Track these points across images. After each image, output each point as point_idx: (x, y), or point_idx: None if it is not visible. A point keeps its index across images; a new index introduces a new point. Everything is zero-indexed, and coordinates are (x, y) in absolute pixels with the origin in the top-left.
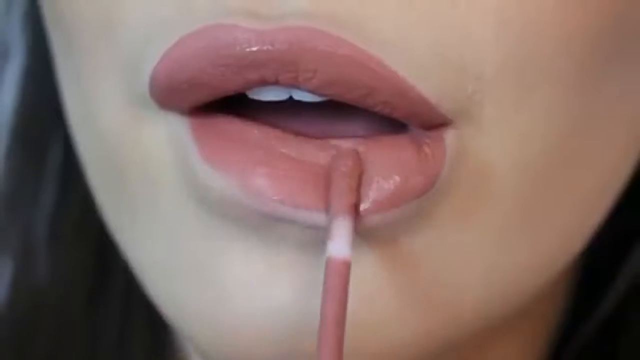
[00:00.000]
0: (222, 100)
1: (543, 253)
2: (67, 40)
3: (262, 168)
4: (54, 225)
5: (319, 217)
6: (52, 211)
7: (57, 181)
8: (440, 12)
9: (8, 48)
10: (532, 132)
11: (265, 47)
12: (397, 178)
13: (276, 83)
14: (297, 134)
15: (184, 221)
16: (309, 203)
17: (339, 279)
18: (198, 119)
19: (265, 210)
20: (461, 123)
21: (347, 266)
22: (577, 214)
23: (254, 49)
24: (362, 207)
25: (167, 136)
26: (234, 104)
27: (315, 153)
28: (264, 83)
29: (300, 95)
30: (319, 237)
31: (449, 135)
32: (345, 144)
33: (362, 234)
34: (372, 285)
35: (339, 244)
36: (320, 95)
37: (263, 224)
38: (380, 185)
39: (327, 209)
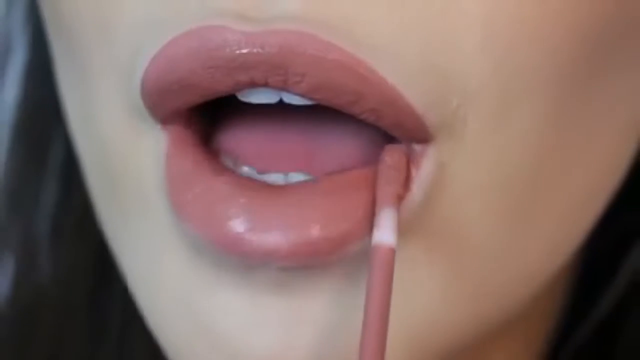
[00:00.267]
0: (214, 103)
1: (532, 262)
2: (66, 45)
3: (230, 223)
4: (55, 223)
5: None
6: (54, 209)
7: (58, 179)
8: (430, 19)
9: (10, 46)
10: (514, 148)
11: (255, 50)
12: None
13: (265, 85)
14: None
15: (172, 246)
16: (280, 250)
17: (385, 266)
18: (176, 154)
19: (238, 255)
20: (441, 139)
21: (392, 253)
22: (566, 222)
23: (244, 51)
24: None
25: (155, 157)
26: (224, 107)
27: (277, 209)
28: (253, 85)
29: (289, 99)
30: (300, 276)
31: (426, 157)
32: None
33: None
34: (348, 320)
35: (386, 233)
36: (308, 99)
37: (243, 265)
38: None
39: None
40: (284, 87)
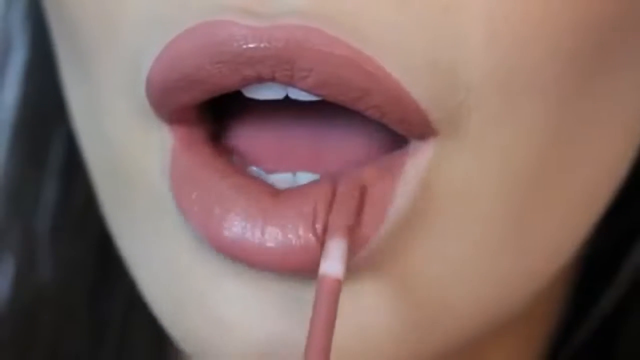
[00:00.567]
0: (219, 102)
1: (534, 261)
2: (70, 44)
3: (227, 227)
4: (56, 221)
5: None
6: (54, 208)
7: (59, 178)
8: (435, 15)
9: (9, 45)
10: (517, 145)
11: (262, 44)
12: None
13: (272, 80)
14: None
15: (179, 239)
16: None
17: (330, 297)
18: (182, 150)
19: (239, 257)
20: (445, 134)
21: (338, 284)
22: (568, 221)
23: (251, 45)
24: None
25: (161, 155)
26: (230, 105)
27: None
28: (260, 80)
29: (295, 94)
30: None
31: (428, 150)
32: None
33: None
34: (364, 308)
35: (333, 264)
36: (314, 94)
37: (244, 266)
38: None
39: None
40: (290, 82)
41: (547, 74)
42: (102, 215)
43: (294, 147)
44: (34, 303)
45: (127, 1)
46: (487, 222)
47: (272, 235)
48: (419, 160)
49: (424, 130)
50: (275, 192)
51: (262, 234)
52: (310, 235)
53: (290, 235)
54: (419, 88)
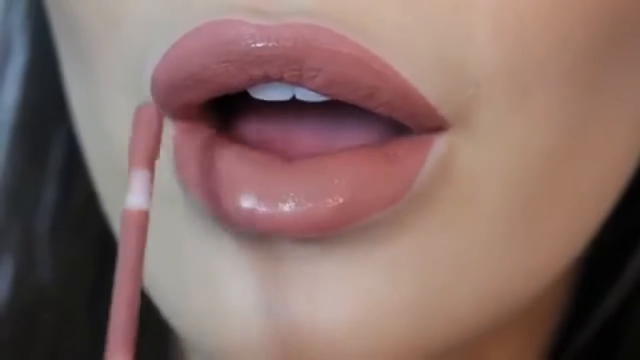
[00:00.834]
0: (224, 102)
1: (541, 257)
2: (72, 43)
3: (239, 197)
4: (55, 222)
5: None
6: (54, 208)
7: (58, 178)
8: (442, 14)
9: (10, 45)
10: (527, 138)
11: (270, 44)
12: (341, 199)
13: (280, 80)
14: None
15: (188, 231)
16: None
17: (136, 229)
18: (185, 133)
19: (251, 229)
20: (456, 128)
21: (144, 216)
22: (577, 216)
23: (259, 45)
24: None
25: (165, 149)
26: (235, 105)
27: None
28: (267, 80)
29: (303, 95)
30: (315, 251)
31: (439, 142)
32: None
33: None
34: (357, 290)
35: (136, 196)
36: (323, 94)
37: (256, 238)
38: (320, 206)
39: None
40: (298, 82)
41: (558, 67)
42: (102, 215)
43: (300, 140)
44: (34, 303)
45: (131, 0)
46: (496, 215)
47: (287, 201)
48: (435, 148)
49: (434, 124)
50: (284, 161)
51: (276, 202)
52: (329, 201)
53: (305, 201)
54: (427, 85)
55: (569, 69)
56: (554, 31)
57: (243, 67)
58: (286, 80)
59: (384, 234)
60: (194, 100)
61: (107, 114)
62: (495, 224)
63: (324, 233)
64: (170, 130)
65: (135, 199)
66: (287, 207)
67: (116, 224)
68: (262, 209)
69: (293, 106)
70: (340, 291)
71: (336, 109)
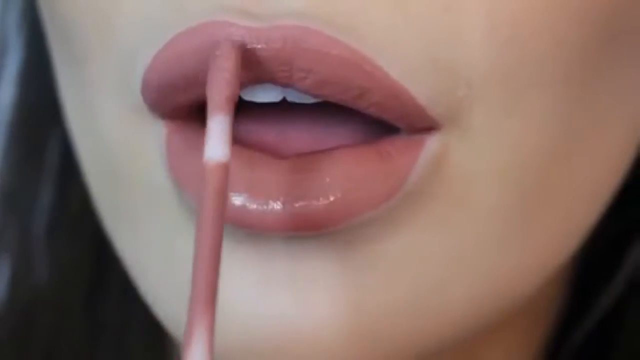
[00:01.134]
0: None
1: (535, 256)
2: (65, 45)
3: (234, 193)
4: (52, 223)
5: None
6: (51, 209)
7: (55, 179)
8: (432, 15)
9: (5, 47)
10: (521, 138)
11: (259, 45)
12: (332, 197)
13: (271, 81)
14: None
15: (181, 233)
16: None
17: (214, 184)
18: (177, 132)
19: (239, 227)
20: (448, 128)
21: (223, 169)
22: (571, 216)
23: (250, 46)
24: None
25: (158, 149)
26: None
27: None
28: (258, 81)
29: (293, 97)
30: (307, 249)
31: (431, 141)
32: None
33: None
34: (349, 288)
35: (214, 146)
36: (313, 96)
37: (248, 237)
38: (311, 203)
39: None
40: (289, 83)
41: (553, 67)
42: (98, 217)
43: (292, 140)
44: (31, 304)
45: (123, 2)
46: (489, 214)
47: (278, 199)
48: (427, 147)
49: (425, 125)
50: (274, 158)
51: (267, 199)
52: (320, 199)
53: (295, 199)
54: (418, 86)
55: (564, 69)
56: (548, 32)
57: None
58: (277, 81)
59: (376, 232)
60: (185, 101)
61: (99, 115)
62: (488, 223)
63: (315, 231)
64: (161, 130)
65: (213, 151)
66: (277, 205)
67: (109, 226)
68: (253, 206)
69: (284, 106)
70: (332, 289)
71: (328, 110)
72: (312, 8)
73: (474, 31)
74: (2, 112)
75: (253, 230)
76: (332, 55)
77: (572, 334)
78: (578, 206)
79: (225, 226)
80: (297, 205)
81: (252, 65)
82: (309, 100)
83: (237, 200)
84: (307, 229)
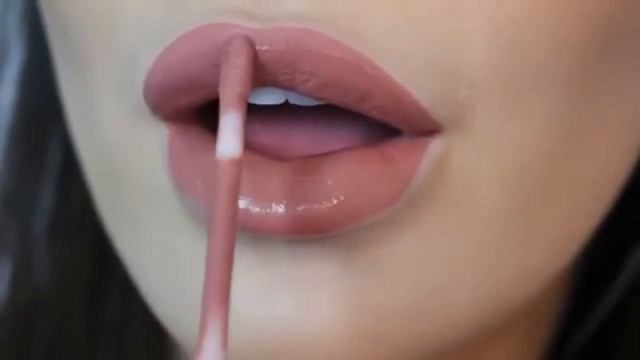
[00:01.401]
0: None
1: (537, 259)
2: (66, 47)
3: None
4: (53, 223)
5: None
6: (51, 209)
7: (56, 179)
8: (433, 17)
9: (6, 48)
10: (523, 140)
11: (263, 47)
12: (335, 200)
13: (274, 84)
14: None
15: (182, 235)
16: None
17: (227, 180)
18: (179, 135)
19: (244, 229)
20: (451, 130)
21: (235, 165)
22: (573, 218)
23: (254, 48)
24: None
25: (159, 150)
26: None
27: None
28: (261, 84)
29: (296, 99)
30: (310, 252)
31: (434, 144)
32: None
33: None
34: (351, 291)
35: (227, 142)
36: (315, 98)
37: (250, 240)
38: (314, 207)
39: None
40: (291, 86)
41: (554, 69)
42: (99, 217)
43: (294, 142)
44: (32, 305)
45: (124, 3)
46: (492, 217)
47: (281, 202)
48: (430, 150)
49: (428, 127)
50: (276, 162)
51: (269, 202)
52: (323, 202)
53: (298, 202)
54: (420, 88)
55: (565, 71)
56: (549, 34)
57: None
58: (279, 84)
59: (379, 235)
60: (187, 103)
61: (100, 115)
62: (491, 226)
63: (318, 234)
64: (163, 131)
65: (226, 147)
66: (280, 209)
67: (110, 227)
68: (256, 210)
69: (287, 109)
70: (334, 292)
71: (330, 112)
72: (313, 10)
73: (475, 33)
74: (3, 113)
75: (256, 233)
76: (334, 58)
77: (574, 336)
78: (579, 208)
79: None
80: (299, 208)
81: (254, 68)
82: (311, 102)
83: (240, 203)
84: (309, 232)
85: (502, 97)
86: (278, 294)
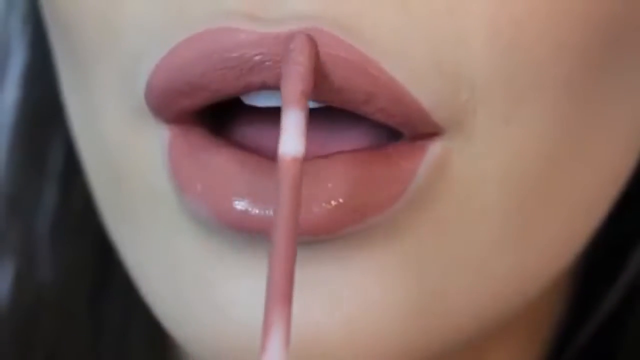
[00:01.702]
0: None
1: (537, 260)
2: (68, 48)
3: (233, 200)
4: (55, 223)
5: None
6: (54, 209)
7: (58, 179)
8: (437, 18)
9: (9, 48)
10: (523, 143)
11: (270, 50)
12: (334, 202)
13: (277, 88)
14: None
15: (182, 231)
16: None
17: (289, 179)
18: (180, 136)
19: (241, 231)
20: (451, 133)
21: (298, 164)
22: (573, 220)
23: (258, 51)
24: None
25: (160, 152)
26: (229, 107)
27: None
28: (264, 87)
29: None
30: (310, 254)
31: (435, 147)
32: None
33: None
34: (351, 292)
35: (289, 141)
36: (319, 102)
37: (250, 242)
38: (313, 208)
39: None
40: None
41: (555, 72)
42: (101, 217)
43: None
44: (34, 305)
45: (125, 5)
46: (491, 219)
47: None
48: (430, 152)
49: (429, 130)
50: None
51: (268, 206)
52: (321, 204)
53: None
54: (422, 90)
55: (566, 74)
56: (551, 36)
57: (241, 74)
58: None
59: (379, 237)
60: (189, 106)
61: (101, 117)
62: (490, 227)
63: (317, 237)
64: (164, 133)
65: (289, 145)
66: None
67: (111, 227)
68: (255, 211)
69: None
70: (334, 294)
71: (330, 114)
72: (316, 12)
73: (477, 34)
74: (6, 113)
75: (256, 235)
76: (340, 58)
77: (575, 336)
78: (580, 210)
79: (226, 232)
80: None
81: (260, 72)
82: (312, 105)
83: (239, 205)
84: (309, 234)
85: (503, 98)
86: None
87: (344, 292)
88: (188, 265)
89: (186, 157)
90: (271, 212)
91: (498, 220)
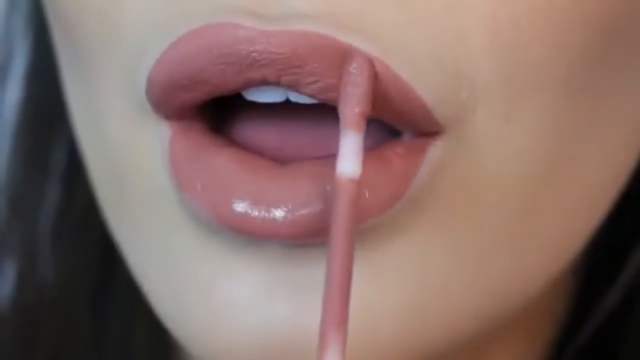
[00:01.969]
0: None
1: (537, 260)
2: (70, 46)
3: (233, 202)
4: (58, 222)
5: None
6: (57, 209)
7: (61, 179)
8: (437, 17)
9: (11, 48)
10: (522, 142)
11: (269, 48)
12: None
13: (277, 84)
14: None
15: (182, 231)
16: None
17: (345, 200)
18: (180, 134)
19: (241, 233)
20: (451, 133)
21: (354, 185)
22: (572, 219)
23: (257, 48)
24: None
25: (160, 150)
26: (229, 103)
27: (274, 187)
28: (264, 83)
29: (297, 97)
30: (310, 256)
31: (434, 146)
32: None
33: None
34: (355, 294)
35: (346, 162)
36: (319, 99)
37: (249, 243)
38: (313, 211)
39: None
40: (294, 87)
41: (554, 71)
42: (103, 216)
43: (294, 141)
44: (36, 305)
45: (128, 2)
46: (491, 218)
47: (280, 205)
48: (430, 152)
49: (430, 128)
50: (277, 165)
51: (270, 206)
52: (322, 205)
53: (297, 205)
54: (425, 88)
55: (565, 73)
56: (550, 36)
57: (240, 70)
58: (282, 84)
59: (379, 238)
60: (189, 101)
61: (103, 114)
62: (490, 227)
63: (318, 238)
64: (165, 131)
65: (346, 166)
66: (279, 213)
67: (113, 226)
68: (255, 213)
69: (288, 107)
70: None
71: (330, 114)
72: (318, 9)
73: (476, 33)
74: (9, 112)
75: (255, 237)
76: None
77: (576, 336)
78: (579, 210)
79: (226, 232)
80: (299, 212)
81: (260, 67)
82: (312, 100)
83: (239, 207)
84: (309, 236)
85: (503, 97)
86: (276, 297)
87: None
88: (188, 264)
89: (186, 156)
90: (272, 214)
91: (498, 219)
